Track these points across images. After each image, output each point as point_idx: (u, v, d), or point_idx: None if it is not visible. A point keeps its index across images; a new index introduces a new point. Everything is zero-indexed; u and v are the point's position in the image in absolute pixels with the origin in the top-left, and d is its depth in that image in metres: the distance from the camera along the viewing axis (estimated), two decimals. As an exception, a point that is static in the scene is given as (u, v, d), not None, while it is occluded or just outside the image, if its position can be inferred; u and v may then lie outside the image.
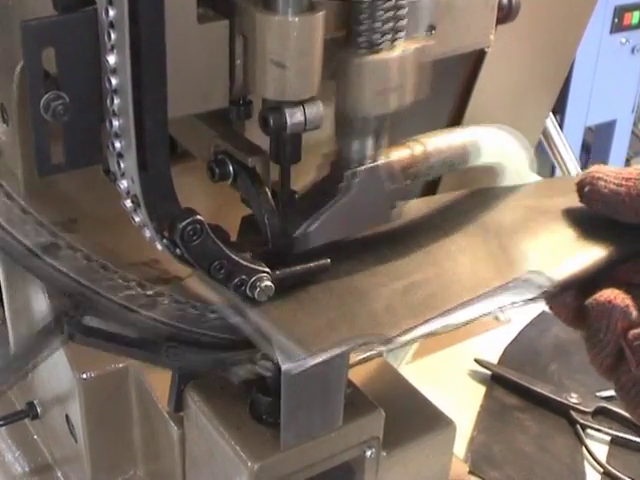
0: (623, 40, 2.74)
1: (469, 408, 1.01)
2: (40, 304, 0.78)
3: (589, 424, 0.98)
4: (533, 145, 0.96)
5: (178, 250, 0.59)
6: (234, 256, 0.60)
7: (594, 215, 0.71)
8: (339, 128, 0.63)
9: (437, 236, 0.71)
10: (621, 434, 0.97)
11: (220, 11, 0.56)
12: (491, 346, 1.10)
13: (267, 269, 0.62)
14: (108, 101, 0.54)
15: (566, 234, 0.72)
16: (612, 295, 0.65)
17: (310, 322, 0.61)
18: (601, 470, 0.94)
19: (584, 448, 0.96)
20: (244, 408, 0.69)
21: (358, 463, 0.71)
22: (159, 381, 0.75)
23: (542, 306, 0.76)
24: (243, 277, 0.61)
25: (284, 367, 0.57)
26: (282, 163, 0.63)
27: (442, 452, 0.78)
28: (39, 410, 0.89)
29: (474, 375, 1.06)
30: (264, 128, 0.60)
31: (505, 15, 0.68)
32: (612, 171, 0.69)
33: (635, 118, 2.97)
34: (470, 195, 0.77)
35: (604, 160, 2.86)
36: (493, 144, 0.73)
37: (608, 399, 1.00)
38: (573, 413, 0.99)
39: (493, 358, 1.08)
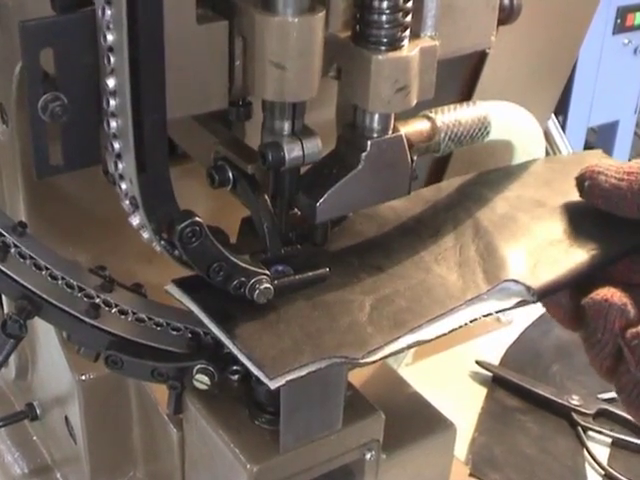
0: (626, 41, 2.73)
1: (470, 410, 1.00)
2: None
3: (590, 426, 0.98)
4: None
5: (177, 252, 0.59)
6: (233, 258, 0.60)
7: (590, 208, 0.69)
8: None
9: (411, 243, 0.69)
10: (622, 436, 0.97)
11: (219, 12, 0.56)
12: (492, 347, 1.10)
13: (266, 271, 0.61)
14: (106, 102, 0.54)
15: (559, 230, 0.70)
16: (609, 293, 0.63)
17: (274, 344, 0.59)
18: (602, 472, 0.93)
19: (585, 450, 0.95)
20: (243, 410, 0.68)
21: (358, 466, 0.71)
22: (158, 383, 0.74)
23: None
24: (242, 279, 0.61)
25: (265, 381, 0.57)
26: (281, 196, 0.63)
27: (442, 454, 0.78)
28: (39, 411, 0.89)
29: (475, 377, 1.06)
30: (263, 163, 0.60)
31: (506, 16, 0.68)
32: (613, 165, 0.67)
33: (638, 119, 2.96)
34: (460, 186, 0.75)
35: (606, 161, 2.85)
36: (503, 119, 0.72)
37: (609, 401, 1.00)
38: (574, 415, 0.99)
39: (494, 359, 1.07)
